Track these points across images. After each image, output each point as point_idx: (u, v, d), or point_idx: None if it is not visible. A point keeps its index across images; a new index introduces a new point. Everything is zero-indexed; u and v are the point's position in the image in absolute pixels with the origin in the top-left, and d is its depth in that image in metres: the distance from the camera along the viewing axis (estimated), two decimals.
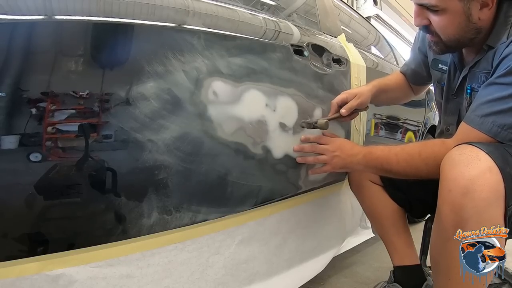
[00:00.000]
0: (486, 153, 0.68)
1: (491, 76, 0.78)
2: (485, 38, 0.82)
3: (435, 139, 0.88)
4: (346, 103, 1.06)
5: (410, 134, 1.96)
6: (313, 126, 1.01)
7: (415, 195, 1.05)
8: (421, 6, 0.80)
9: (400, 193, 1.08)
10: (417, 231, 1.32)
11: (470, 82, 0.89)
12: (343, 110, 1.04)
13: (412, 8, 0.85)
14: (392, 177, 0.98)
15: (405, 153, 0.86)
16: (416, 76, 1.19)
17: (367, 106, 1.12)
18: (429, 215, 1.14)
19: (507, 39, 0.78)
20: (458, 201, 0.67)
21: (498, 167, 0.67)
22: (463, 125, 0.80)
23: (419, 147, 0.85)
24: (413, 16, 0.84)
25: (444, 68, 1.02)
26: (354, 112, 1.09)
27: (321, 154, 0.99)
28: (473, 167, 0.67)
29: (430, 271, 1.11)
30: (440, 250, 0.74)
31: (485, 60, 0.84)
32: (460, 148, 0.72)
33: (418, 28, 0.88)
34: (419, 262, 1.10)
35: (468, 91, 0.89)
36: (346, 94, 1.08)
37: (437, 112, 1.20)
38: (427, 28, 0.83)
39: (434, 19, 0.80)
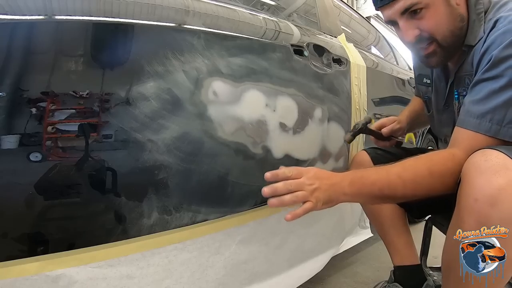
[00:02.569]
0: None
1: (475, 75, 0.76)
2: (463, 40, 0.81)
3: (439, 152, 0.79)
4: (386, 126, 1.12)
5: (410, 134, 1.96)
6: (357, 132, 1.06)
7: None
8: (405, 16, 0.78)
9: None
10: (417, 231, 1.32)
11: (457, 87, 0.88)
12: (385, 130, 1.09)
13: None
14: (392, 203, 0.95)
15: (410, 173, 0.74)
16: None
17: (401, 137, 1.18)
18: (429, 215, 1.14)
19: (484, 33, 0.76)
20: (485, 211, 0.63)
21: None
22: (459, 131, 0.76)
23: (426, 164, 0.74)
24: (402, 37, 0.81)
25: (428, 81, 1.02)
26: (392, 140, 1.14)
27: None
28: (501, 176, 0.62)
29: (431, 272, 1.11)
30: (456, 257, 0.69)
31: (467, 62, 0.82)
32: (486, 154, 0.66)
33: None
34: (419, 262, 1.10)
35: (456, 96, 0.88)
36: (385, 119, 1.13)
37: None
38: (421, 37, 0.79)
39: (422, 22, 0.77)
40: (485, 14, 0.79)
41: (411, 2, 0.75)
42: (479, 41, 0.77)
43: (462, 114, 0.76)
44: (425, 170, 0.74)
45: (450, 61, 0.89)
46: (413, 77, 1.17)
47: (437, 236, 1.20)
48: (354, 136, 1.07)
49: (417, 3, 0.75)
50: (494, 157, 0.65)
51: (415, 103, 1.23)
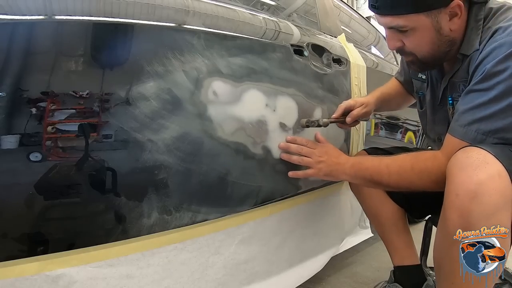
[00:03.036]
0: (494, 155, 0.66)
1: (468, 84, 0.76)
2: (459, 47, 0.82)
3: (426, 152, 0.85)
4: (353, 109, 1.06)
5: (410, 134, 1.96)
6: (317, 124, 1.02)
7: (415, 195, 1.05)
8: (392, 29, 0.80)
9: (400, 194, 1.08)
10: (417, 230, 1.32)
11: (451, 92, 0.89)
12: (348, 119, 1.05)
13: None
14: (382, 189, 0.97)
15: (396, 165, 0.84)
16: (410, 84, 1.17)
17: (369, 117, 1.14)
18: (429, 216, 1.14)
19: (479, 45, 0.77)
20: (466, 206, 0.65)
21: (507, 170, 0.65)
22: (448, 137, 0.78)
23: (411, 160, 0.82)
24: (386, 41, 0.86)
25: (423, 77, 1.02)
26: (356, 121, 1.10)
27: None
28: (481, 170, 0.65)
29: (431, 272, 1.11)
30: (444, 254, 0.72)
31: (461, 69, 0.82)
32: (467, 151, 0.69)
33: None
34: (419, 262, 1.11)
35: (450, 101, 0.89)
36: (354, 101, 1.09)
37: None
38: (402, 50, 0.83)
39: (406, 40, 0.80)
40: (484, 22, 0.78)
41: (396, 24, 0.78)
42: (475, 51, 0.77)
43: (453, 121, 0.78)
44: (409, 166, 0.82)
45: (446, 64, 0.90)
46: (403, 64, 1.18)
47: None
48: (308, 126, 1.03)
49: (403, 27, 0.78)
50: (475, 154, 0.68)
51: (392, 86, 1.23)
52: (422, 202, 1.04)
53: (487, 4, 0.79)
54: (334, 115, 1.07)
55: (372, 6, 0.81)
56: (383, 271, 1.41)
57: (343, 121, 1.06)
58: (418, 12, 0.74)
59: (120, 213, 0.69)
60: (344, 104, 1.07)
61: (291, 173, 0.97)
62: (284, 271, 1.08)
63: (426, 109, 1.03)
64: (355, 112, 1.05)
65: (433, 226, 1.12)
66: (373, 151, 1.12)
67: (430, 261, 1.18)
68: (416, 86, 1.08)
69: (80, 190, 0.66)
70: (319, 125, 1.02)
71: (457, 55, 0.82)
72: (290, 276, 1.10)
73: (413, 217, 1.41)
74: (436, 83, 0.96)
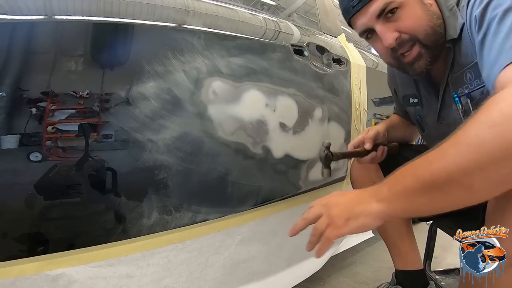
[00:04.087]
0: None
1: (479, 35, 0.65)
2: (445, 40, 0.75)
3: (482, 105, 0.53)
4: (378, 139, 0.93)
5: None
6: (339, 157, 0.85)
7: None
8: (381, 20, 0.73)
9: None
10: (418, 231, 1.32)
11: (455, 89, 0.78)
12: (367, 145, 0.90)
13: None
14: (444, 205, 0.56)
15: (447, 144, 0.53)
16: (407, 114, 1.06)
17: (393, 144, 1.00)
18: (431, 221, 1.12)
19: (463, 18, 0.71)
20: None
21: None
22: (502, 73, 0.57)
23: (459, 131, 0.52)
24: (380, 46, 0.75)
25: (415, 100, 0.93)
26: (378, 148, 0.94)
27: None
28: None
29: (437, 276, 1.10)
30: None
31: (461, 56, 0.74)
32: None
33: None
34: (422, 267, 1.08)
35: (456, 99, 0.78)
36: (361, 135, 0.95)
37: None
38: (401, 40, 0.73)
39: (401, 22, 0.72)
40: (457, 6, 0.75)
41: (384, 2, 0.71)
42: (463, 25, 0.72)
43: (490, 61, 0.61)
44: (463, 134, 0.51)
45: (435, 74, 0.82)
46: (396, 93, 1.05)
47: (438, 237, 1.20)
48: (329, 168, 0.85)
49: (391, 2, 0.71)
50: None
51: (394, 119, 1.12)
52: None
53: None
54: (366, 146, 0.91)
55: (353, 5, 0.74)
56: (383, 271, 1.41)
57: (363, 151, 0.92)
58: None
59: (120, 213, 0.69)
60: (353, 143, 0.94)
61: (317, 253, 0.62)
62: (282, 271, 1.08)
63: (427, 130, 0.95)
64: (369, 136, 0.92)
65: (438, 229, 1.10)
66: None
67: (434, 265, 1.18)
68: (411, 112, 0.98)
69: (80, 190, 0.66)
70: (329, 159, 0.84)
71: (446, 43, 0.76)
72: (289, 275, 1.10)
73: (418, 219, 1.39)
74: (429, 96, 0.88)
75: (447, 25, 0.75)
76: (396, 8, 0.72)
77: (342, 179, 1.31)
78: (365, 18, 0.73)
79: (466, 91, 0.76)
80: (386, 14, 0.72)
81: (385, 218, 0.58)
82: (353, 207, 0.59)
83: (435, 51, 0.75)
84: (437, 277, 1.11)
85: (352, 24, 0.78)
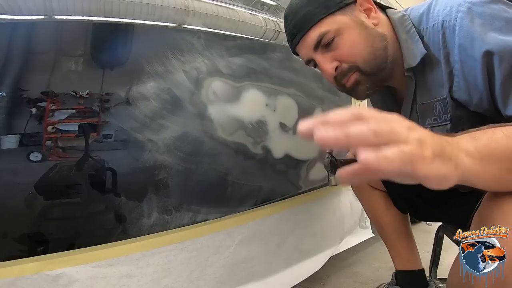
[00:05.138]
0: None
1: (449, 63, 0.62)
2: (402, 67, 0.71)
3: None
4: None
5: None
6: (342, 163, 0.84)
7: (419, 198, 1.02)
8: (320, 51, 0.71)
9: (404, 202, 1.05)
10: (417, 231, 1.32)
11: (423, 119, 0.72)
12: None
13: None
14: None
15: None
16: None
17: None
18: (430, 220, 1.12)
19: (425, 49, 0.66)
20: None
21: None
22: None
23: None
24: (323, 74, 0.73)
25: None
26: None
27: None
28: None
29: (441, 284, 1.09)
30: None
31: (424, 86, 0.70)
32: None
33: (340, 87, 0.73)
34: (421, 267, 1.08)
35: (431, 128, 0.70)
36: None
37: None
38: (341, 70, 0.71)
39: (338, 51, 0.70)
40: (416, 28, 0.70)
41: (319, 33, 0.69)
42: (427, 53, 0.66)
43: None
44: None
45: (399, 90, 0.78)
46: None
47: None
48: (335, 174, 0.88)
49: (326, 32, 0.69)
50: None
51: None
52: (431, 207, 1.01)
53: (406, 12, 0.72)
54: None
55: (292, 38, 0.73)
56: (383, 271, 1.41)
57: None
58: (333, 13, 0.69)
59: (120, 213, 0.69)
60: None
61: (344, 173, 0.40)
62: (282, 270, 1.08)
63: None
64: None
65: (445, 235, 1.09)
66: None
67: (440, 273, 1.17)
68: None
69: (80, 190, 0.66)
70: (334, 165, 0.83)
71: (406, 72, 0.71)
72: (288, 275, 1.10)
73: (417, 219, 1.39)
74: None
75: (403, 49, 0.70)
76: (334, 37, 0.69)
77: None
78: (304, 50, 0.72)
79: (434, 123, 0.71)
80: (324, 45, 0.70)
81: (461, 179, 0.44)
82: (444, 146, 0.42)
83: (377, 76, 0.71)
84: (440, 285, 1.10)
85: (298, 54, 0.76)
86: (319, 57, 0.71)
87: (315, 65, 0.74)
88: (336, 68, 0.70)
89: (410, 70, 0.70)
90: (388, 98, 0.82)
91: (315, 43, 0.70)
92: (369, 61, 0.69)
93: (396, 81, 0.75)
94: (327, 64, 0.70)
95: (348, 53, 0.69)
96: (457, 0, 0.61)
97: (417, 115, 0.73)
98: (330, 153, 0.82)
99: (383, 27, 0.71)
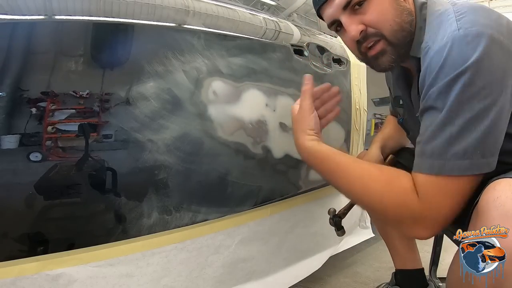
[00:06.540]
0: None
1: (422, 99, 0.65)
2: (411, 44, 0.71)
3: (402, 178, 0.66)
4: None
5: None
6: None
7: None
8: (348, 12, 0.70)
9: None
10: None
11: (417, 109, 0.74)
12: None
13: None
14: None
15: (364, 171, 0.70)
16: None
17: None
18: None
19: (424, 49, 0.66)
20: None
21: None
22: (420, 178, 0.63)
23: (385, 182, 0.66)
24: (346, 36, 0.73)
25: (402, 102, 0.90)
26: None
27: None
28: None
29: (440, 284, 1.09)
30: None
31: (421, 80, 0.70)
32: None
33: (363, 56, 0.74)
34: (421, 267, 1.08)
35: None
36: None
37: None
38: (366, 34, 0.70)
39: (367, 15, 0.69)
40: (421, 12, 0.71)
41: None
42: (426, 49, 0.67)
43: (419, 154, 0.66)
44: (381, 183, 0.66)
45: (407, 67, 0.78)
46: (391, 93, 1.04)
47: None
48: (342, 228, 1.04)
49: None
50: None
51: (389, 123, 1.11)
52: None
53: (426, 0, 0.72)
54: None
55: None
56: (383, 271, 1.41)
57: None
58: None
59: (120, 213, 0.69)
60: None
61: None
62: (281, 270, 1.08)
63: (412, 133, 0.90)
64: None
65: (444, 235, 1.10)
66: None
67: (439, 272, 1.17)
68: (399, 113, 0.96)
69: (80, 190, 0.66)
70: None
71: (410, 61, 0.73)
72: (287, 274, 1.10)
73: None
74: (406, 99, 0.85)
75: (415, 37, 0.71)
76: (364, 0, 0.69)
77: None
78: (332, 10, 0.71)
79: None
80: (353, 6, 0.69)
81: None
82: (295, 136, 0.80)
83: (401, 49, 0.72)
84: (440, 284, 1.10)
85: (321, 15, 0.76)
86: (346, 18, 0.70)
87: (337, 28, 0.74)
88: (361, 32, 0.69)
89: (414, 58, 0.71)
90: (401, 79, 0.84)
91: (345, 3, 0.69)
92: (396, 31, 0.69)
93: (409, 63, 0.75)
94: (353, 25, 0.70)
95: (377, 19, 0.69)
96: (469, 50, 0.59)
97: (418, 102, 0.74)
98: (334, 212, 0.98)
99: (410, 5, 0.71)
